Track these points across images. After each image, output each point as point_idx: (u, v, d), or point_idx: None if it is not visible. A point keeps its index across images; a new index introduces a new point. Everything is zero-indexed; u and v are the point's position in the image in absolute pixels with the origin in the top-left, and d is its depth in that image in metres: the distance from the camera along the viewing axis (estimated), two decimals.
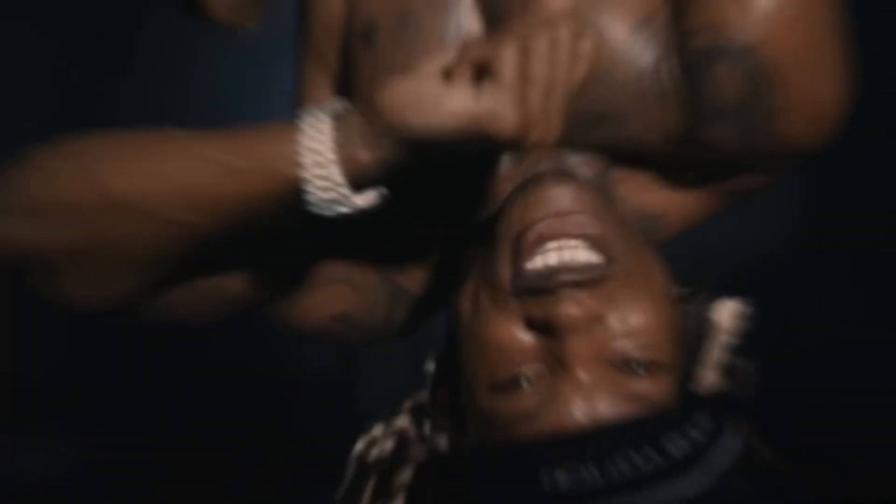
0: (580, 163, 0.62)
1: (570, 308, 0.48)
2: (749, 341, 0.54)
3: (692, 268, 0.58)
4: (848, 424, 1.54)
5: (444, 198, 0.65)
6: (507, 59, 0.46)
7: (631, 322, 0.50)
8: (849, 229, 1.81)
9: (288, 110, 0.76)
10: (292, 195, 0.49)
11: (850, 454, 1.50)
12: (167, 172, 0.51)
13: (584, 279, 0.49)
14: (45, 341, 1.72)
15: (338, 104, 0.51)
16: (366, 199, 0.51)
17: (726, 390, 0.52)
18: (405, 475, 0.53)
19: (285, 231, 0.61)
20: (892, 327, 1.71)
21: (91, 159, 0.53)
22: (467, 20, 0.64)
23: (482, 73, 0.47)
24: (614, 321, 0.50)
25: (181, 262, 0.56)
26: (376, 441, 0.55)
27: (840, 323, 1.81)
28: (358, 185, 0.49)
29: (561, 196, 0.53)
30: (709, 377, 0.52)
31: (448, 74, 0.48)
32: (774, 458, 0.51)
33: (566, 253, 0.51)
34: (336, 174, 0.48)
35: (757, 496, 0.45)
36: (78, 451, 1.80)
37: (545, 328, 0.50)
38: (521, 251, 0.51)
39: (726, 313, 0.54)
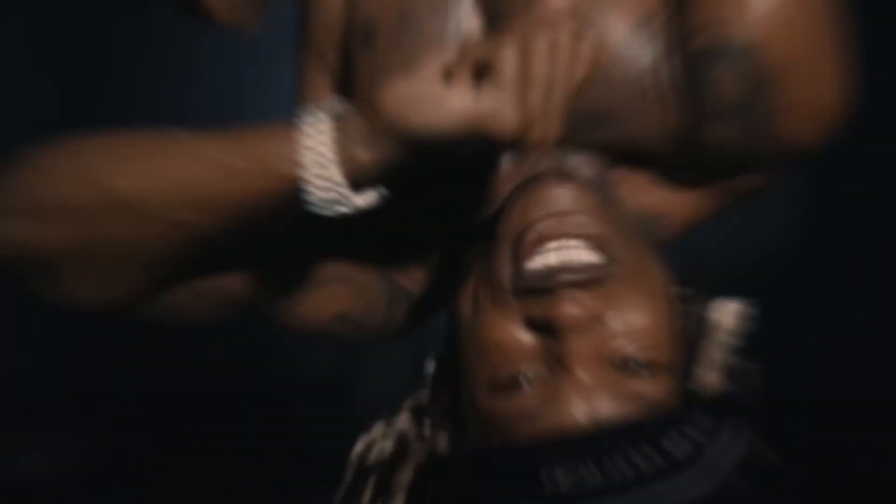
0: (580, 163, 0.61)
1: (570, 308, 0.48)
2: (750, 342, 0.54)
3: (693, 268, 0.57)
4: (849, 426, 1.53)
5: (445, 198, 0.65)
6: (508, 58, 0.45)
7: (630, 322, 0.50)
8: (850, 229, 1.80)
9: (288, 110, 0.74)
10: (292, 195, 0.49)
11: (851, 455, 1.49)
12: (167, 172, 0.51)
13: (584, 279, 0.49)
14: (46, 341, 1.72)
15: (338, 104, 0.50)
16: (366, 199, 0.51)
17: (727, 391, 0.51)
18: (405, 476, 0.53)
19: (285, 231, 0.60)
20: (894, 328, 1.70)
21: (91, 159, 0.53)
22: (467, 20, 0.63)
23: (482, 73, 0.47)
24: (614, 321, 0.50)
25: (182, 262, 0.56)
26: (376, 442, 0.55)
27: (841, 323, 1.80)
28: (358, 184, 0.49)
29: (561, 196, 0.52)
30: (710, 378, 0.51)
31: (448, 74, 0.47)
32: (776, 459, 0.51)
33: (566, 253, 0.51)
34: (336, 174, 0.48)
35: (758, 498, 0.45)
36: (78, 452, 1.79)
37: (545, 328, 0.49)
38: (521, 251, 0.51)
39: (727, 314, 0.54)
